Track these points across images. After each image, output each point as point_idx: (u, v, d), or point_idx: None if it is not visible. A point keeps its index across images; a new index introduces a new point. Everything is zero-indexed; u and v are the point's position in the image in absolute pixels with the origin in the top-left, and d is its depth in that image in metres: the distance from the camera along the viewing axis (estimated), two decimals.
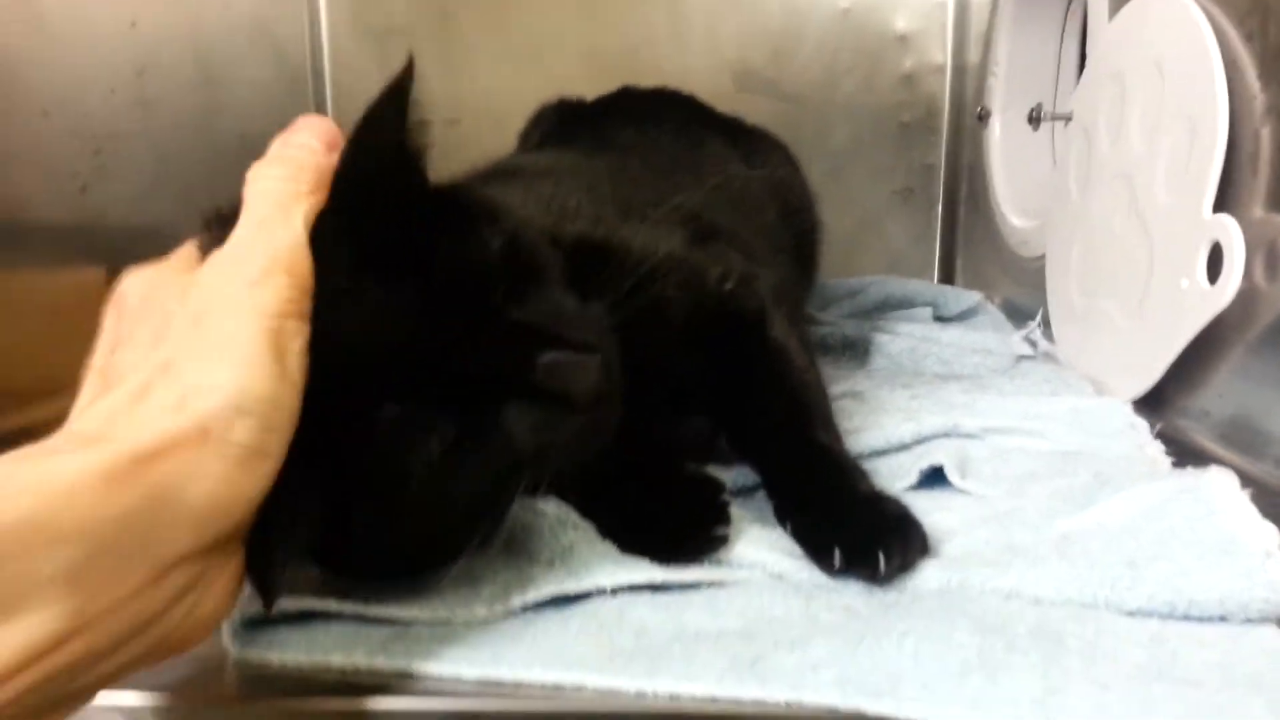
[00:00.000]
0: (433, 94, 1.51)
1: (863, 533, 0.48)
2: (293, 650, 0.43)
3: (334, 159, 0.41)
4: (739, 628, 0.44)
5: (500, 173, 0.71)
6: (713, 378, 0.60)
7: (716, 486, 0.54)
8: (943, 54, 1.39)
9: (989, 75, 1.24)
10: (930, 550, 0.49)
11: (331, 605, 0.45)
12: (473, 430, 0.41)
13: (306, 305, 0.38)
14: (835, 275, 1.35)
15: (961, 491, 0.58)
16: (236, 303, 0.36)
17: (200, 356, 0.35)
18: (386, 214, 0.41)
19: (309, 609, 0.45)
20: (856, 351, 1.01)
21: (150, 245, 0.43)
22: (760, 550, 0.50)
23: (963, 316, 1.19)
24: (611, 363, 0.44)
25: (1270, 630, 0.42)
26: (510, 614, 0.46)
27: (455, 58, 1.41)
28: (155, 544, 0.32)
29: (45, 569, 0.29)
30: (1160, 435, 0.67)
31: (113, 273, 0.42)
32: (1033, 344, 0.95)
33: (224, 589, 0.37)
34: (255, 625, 0.45)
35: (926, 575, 0.47)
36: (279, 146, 0.42)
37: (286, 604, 0.45)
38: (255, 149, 0.43)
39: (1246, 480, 0.51)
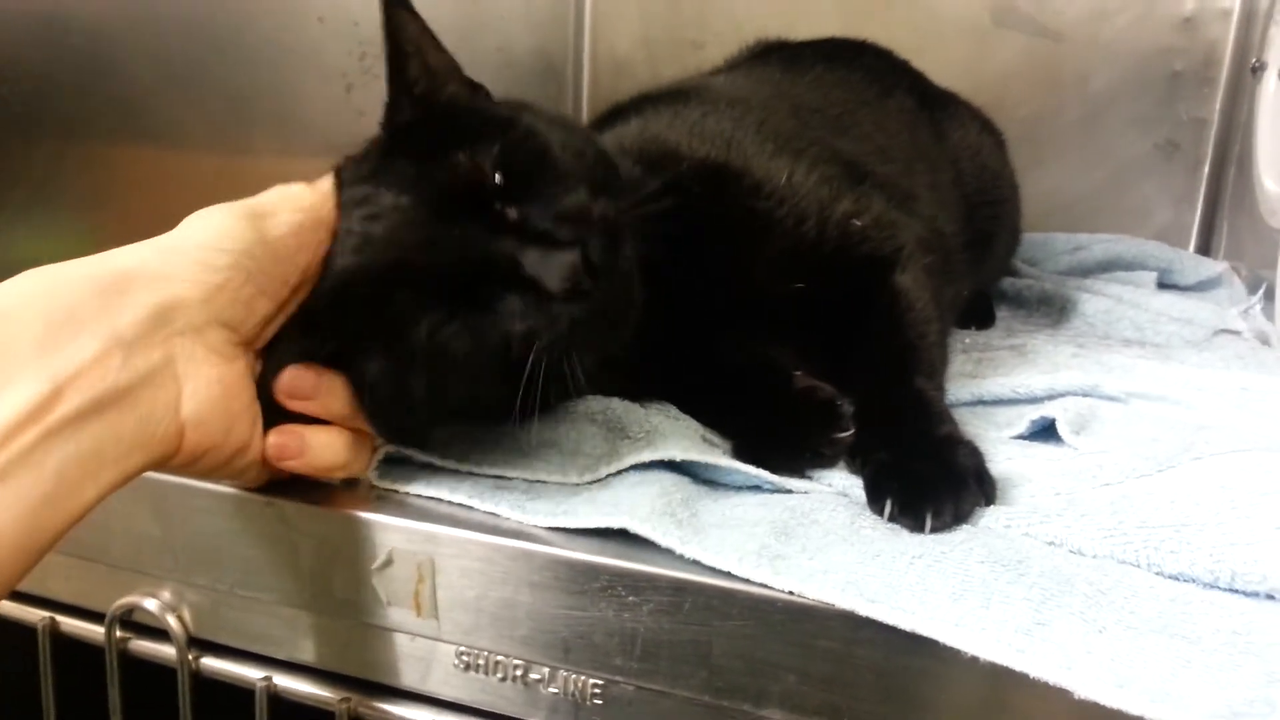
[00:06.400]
0: (682, 16, 1.55)
1: (919, 485, 0.49)
2: (417, 485, 0.54)
3: None
4: (779, 521, 0.48)
5: (673, 91, 0.75)
6: (829, 308, 0.62)
7: (831, 395, 0.57)
8: None
9: (1272, 24, 1.12)
10: (993, 499, 0.50)
11: (451, 463, 0.55)
12: (466, 313, 0.47)
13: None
14: (1072, 229, 1.28)
15: (1060, 443, 0.58)
16: None
17: None
18: (410, 135, 0.48)
19: (433, 462, 0.55)
20: (1051, 308, 0.98)
21: None
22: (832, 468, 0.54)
23: (1201, 287, 1.10)
24: (615, 263, 0.49)
25: None
26: (595, 481, 0.53)
27: None
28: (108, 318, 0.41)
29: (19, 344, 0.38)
30: None
31: None
32: (1247, 320, 0.89)
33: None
34: (393, 463, 0.55)
35: (979, 513, 0.49)
36: None
37: (419, 457, 0.55)
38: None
39: None
